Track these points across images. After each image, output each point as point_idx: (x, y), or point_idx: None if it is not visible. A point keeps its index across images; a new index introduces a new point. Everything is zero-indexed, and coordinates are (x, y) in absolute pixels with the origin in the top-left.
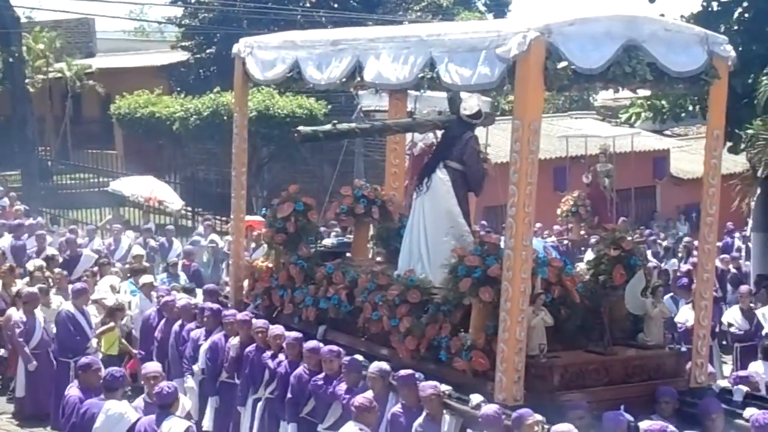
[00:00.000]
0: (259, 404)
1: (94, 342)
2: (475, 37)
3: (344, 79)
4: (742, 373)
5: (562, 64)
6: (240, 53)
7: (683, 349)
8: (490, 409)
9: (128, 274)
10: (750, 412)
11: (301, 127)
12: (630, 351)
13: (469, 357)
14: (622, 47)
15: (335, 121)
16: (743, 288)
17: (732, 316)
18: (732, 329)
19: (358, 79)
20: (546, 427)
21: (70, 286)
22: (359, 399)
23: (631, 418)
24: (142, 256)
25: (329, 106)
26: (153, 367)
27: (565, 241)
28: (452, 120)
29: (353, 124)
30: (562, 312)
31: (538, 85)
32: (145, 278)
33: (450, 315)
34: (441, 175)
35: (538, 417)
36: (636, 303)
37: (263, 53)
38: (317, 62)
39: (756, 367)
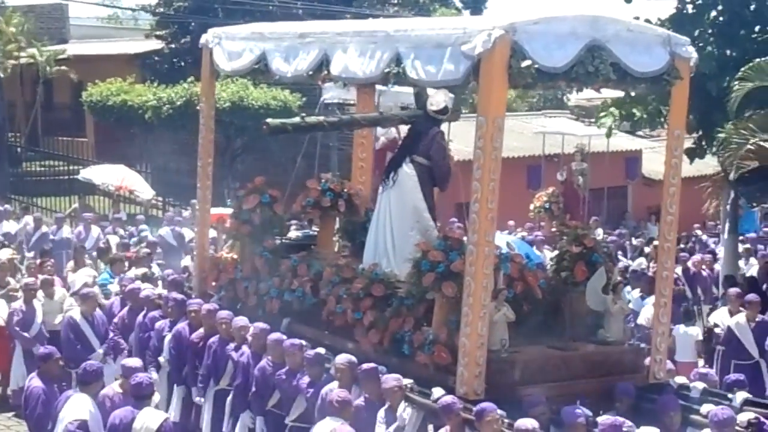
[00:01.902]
0: (229, 397)
1: (100, 352)
2: (441, 33)
3: (311, 72)
4: (701, 369)
5: (525, 63)
6: (207, 44)
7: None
8: (447, 398)
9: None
10: (707, 408)
11: (269, 120)
12: (590, 347)
13: (432, 351)
14: (585, 47)
15: (304, 114)
16: (732, 291)
17: (719, 317)
18: (717, 330)
19: (325, 72)
20: (506, 421)
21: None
22: (337, 394)
23: (589, 413)
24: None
25: (303, 99)
26: (132, 361)
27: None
28: (419, 115)
29: (322, 118)
30: (525, 308)
31: (502, 82)
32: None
33: (413, 309)
34: (407, 170)
35: (500, 413)
36: (597, 299)
37: (230, 44)
38: (284, 54)
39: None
